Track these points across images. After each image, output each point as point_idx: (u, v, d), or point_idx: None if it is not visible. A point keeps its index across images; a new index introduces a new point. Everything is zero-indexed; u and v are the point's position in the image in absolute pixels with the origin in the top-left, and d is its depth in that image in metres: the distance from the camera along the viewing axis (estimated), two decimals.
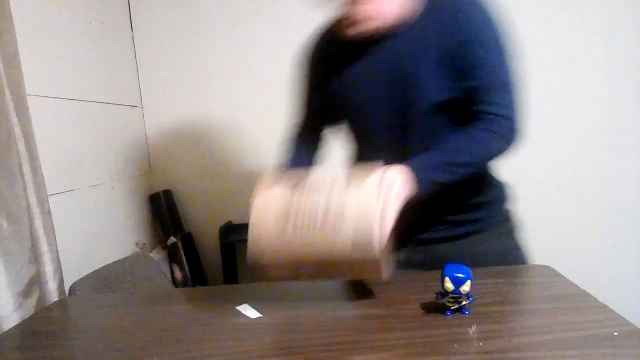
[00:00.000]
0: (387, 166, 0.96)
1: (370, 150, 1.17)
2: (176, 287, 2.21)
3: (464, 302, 0.85)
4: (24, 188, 1.26)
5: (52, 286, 1.34)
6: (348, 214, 0.87)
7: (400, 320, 0.87)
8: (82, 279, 1.47)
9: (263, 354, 0.79)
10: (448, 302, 0.86)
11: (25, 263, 1.21)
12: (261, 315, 0.95)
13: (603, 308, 0.85)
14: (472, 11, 0.99)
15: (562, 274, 1.03)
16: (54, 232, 1.38)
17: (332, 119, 1.23)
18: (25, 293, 1.19)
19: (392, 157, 1.04)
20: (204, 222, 2.44)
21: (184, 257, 2.28)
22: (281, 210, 0.91)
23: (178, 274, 2.27)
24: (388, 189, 0.91)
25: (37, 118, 1.40)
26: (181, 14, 2.32)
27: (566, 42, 2.16)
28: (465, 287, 0.82)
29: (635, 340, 0.73)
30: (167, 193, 2.36)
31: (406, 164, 0.96)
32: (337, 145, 1.32)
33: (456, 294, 0.84)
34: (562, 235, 2.22)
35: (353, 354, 0.76)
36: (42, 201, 1.33)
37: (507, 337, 0.77)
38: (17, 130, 1.27)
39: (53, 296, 1.34)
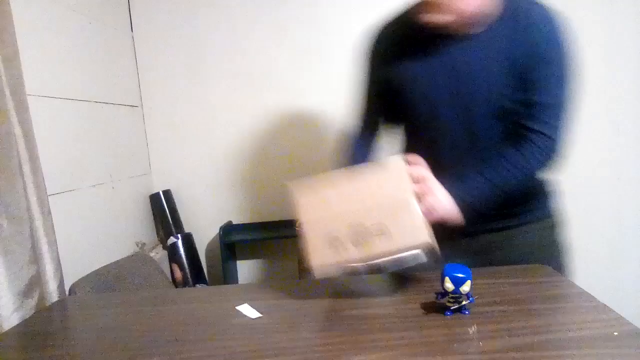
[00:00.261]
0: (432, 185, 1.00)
1: (425, 148, 1.16)
2: (176, 287, 2.21)
3: (464, 302, 0.85)
4: (24, 188, 1.26)
5: (52, 286, 1.34)
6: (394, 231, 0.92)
7: (400, 320, 0.87)
8: (82, 279, 1.47)
9: (263, 354, 0.79)
10: (448, 302, 0.86)
11: (25, 263, 1.21)
12: (261, 315, 0.95)
13: (603, 308, 0.85)
14: (547, 29, 1.00)
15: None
16: (54, 232, 1.38)
17: (391, 112, 1.22)
18: (26, 293, 1.19)
19: (445, 155, 1.10)
20: (204, 222, 2.44)
21: (184, 257, 2.28)
22: (328, 232, 0.96)
23: (178, 274, 2.27)
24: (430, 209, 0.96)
25: (37, 118, 1.40)
26: (181, 14, 2.32)
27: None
28: (465, 287, 0.82)
29: (635, 340, 0.73)
30: (167, 193, 2.36)
31: (450, 189, 1.00)
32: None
33: (456, 294, 0.84)
34: None
35: (353, 354, 0.76)
36: (42, 201, 1.33)
37: (507, 337, 0.77)
38: (17, 130, 1.27)
39: (53, 296, 1.34)
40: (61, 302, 1.28)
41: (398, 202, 0.94)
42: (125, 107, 2.21)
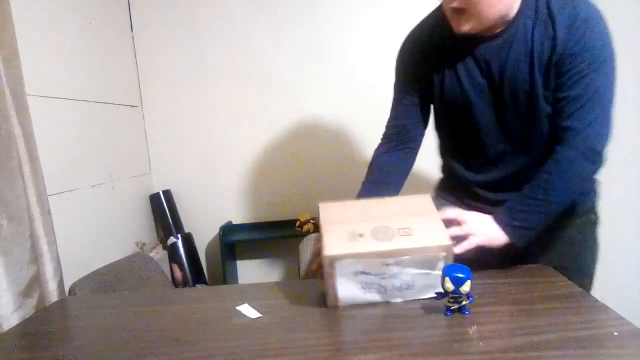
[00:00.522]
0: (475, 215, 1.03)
1: (461, 151, 1.18)
2: (176, 287, 2.21)
3: (464, 302, 0.85)
4: (24, 188, 1.26)
5: (52, 286, 1.34)
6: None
7: (400, 320, 0.87)
8: (82, 279, 1.47)
9: (263, 354, 0.79)
10: (448, 302, 0.86)
11: (25, 263, 1.21)
12: (261, 315, 0.95)
13: (603, 308, 0.85)
14: (587, 27, 0.96)
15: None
16: (54, 232, 1.38)
17: (428, 114, 1.22)
18: (25, 293, 1.19)
19: (482, 157, 1.10)
20: (204, 222, 2.44)
21: (184, 257, 2.28)
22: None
23: (178, 274, 2.27)
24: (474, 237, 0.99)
25: (37, 118, 1.40)
26: (181, 15, 2.32)
27: None
28: (465, 287, 0.82)
29: (635, 340, 0.73)
30: (167, 193, 2.36)
31: (494, 216, 1.01)
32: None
33: (456, 294, 0.84)
34: None
35: (353, 354, 0.76)
36: (42, 201, 1.33)
37: (507, 337, 0.77)
38: (17, 130, 1.27)
39: (53, 296, 1.33)
40: (61, 302, 1.28)
41: (422, 213, 0.97)
42: (125, 107, 2.21)
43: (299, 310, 0.96)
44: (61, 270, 1.39)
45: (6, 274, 1.16)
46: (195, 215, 2.44)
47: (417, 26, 1.18)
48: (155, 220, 2.39)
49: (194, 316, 0.99)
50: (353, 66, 2.32)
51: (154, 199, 2.33)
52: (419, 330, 0.82)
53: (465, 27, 0.99)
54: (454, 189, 1.24)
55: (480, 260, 1.08)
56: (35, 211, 1.31)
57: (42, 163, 1.36)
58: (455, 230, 0.99)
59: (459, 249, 0.97)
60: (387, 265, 0.90)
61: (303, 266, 1.59)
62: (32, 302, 1.21)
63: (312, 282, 1.09)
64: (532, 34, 0.99)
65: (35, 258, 1.27)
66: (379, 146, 1.27)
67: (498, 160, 1.12)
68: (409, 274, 0.91)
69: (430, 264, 0.89)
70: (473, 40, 1.04)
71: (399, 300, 0.94)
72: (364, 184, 1.23)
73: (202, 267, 2.40)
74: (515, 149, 1.09)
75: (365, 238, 0.91)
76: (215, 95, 2.36)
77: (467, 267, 0.84)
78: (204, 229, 2.44)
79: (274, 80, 2.34)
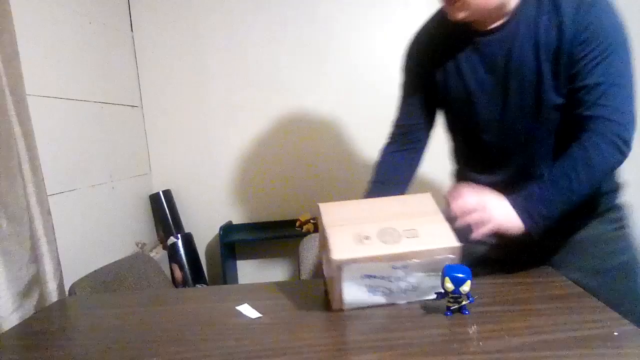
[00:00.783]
0: (491, 197, 0.96)
1: (474, 147, 1.14)
2: (176, 287, 2.21)
3: (464, 302, 0.85)
4: (24, 188, 1.26)
5: (52, 286, 1.34)
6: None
7: (400, 320, 0.87)
8: (82, 279, 1.47)
9: (263, 354, 0.79)
10: (448, 302, 0.86)
11: (25, 263, 1.21)
12: (261, 315, 0.95)
13: (603, 308, 0.85)
14: (595, 10, 0.91)
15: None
16: (54, 232, 1.38)
17: (435, 114, 1.20)
18: (25, 293, 1.19)
19: (496, 155, 1.06)
20: (204, 222, 2.44)
21: (184, 257, 2.28)
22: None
23: (178, 274, 2.26)
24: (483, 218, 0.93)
25: (37, 118, 1.40)
26: (181, 15, 2.32)
27: None
28: (465, 287, 0.82)
29: (635, 340, 0.73)
30: (167, 193, 2.36)
31: (513, 200, 0.96)
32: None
33: (456, 294, 0.83)
34: None
35: (353, 354, 0.76)
36: (42, 201, 1.33)
37: (507, 337, 0.77)
38: (17, 130, 1.27)
39: (53, 296, 1.33)
40: (61, 302, 1.28)
41: (426, 214, 0.96)
42: (125, 107, 2.21)
43: (299, 310, 0.96)
44: (61, 270, 1.39)
45: (6, 274, 1.16)
46: (195, 215, 2.44)
47: (422, 25, 1.17)
48: (155, 220, 2.39)
49: (194, 316, 0.99)
50: (353, 66, 2.32)
51: (154, 199, 2.33)
52: (419, 330, 0.82)
53: (461, 15, 0.97)
54: None
55: (507, 261, 1.08)
56: (35, 211, 1.31)
57: (42, 163, 1.36)
58: (475, 217, 0.94)
59: (477, 235, 0.93)
60: (395, 268, 0.89)
61: (303, 266, 1.59)
62: (31, 302, 1.21)
63: (312, 282, 1.09)
64: (537, 23, 0.95)
65: (35, 258, 1.27)
66: (384, 146, 1.26)
67: (502, 160, 1.09)
68: (416, 276, 0.91)
69: (437, 266, 0.88)
70: (476, 35, 1.03)
71: (402, 302, 0.93)
72: (370, 183, 1.22)
73: (202, 267, 2.40)
74: (520, 148, 1.06)
75: (372, 241, 0.89)
76: (215, 95, 2.36)
77: (467, 267, 0.84)
78: (204, 229, 2.44)
79: (274, 80, 2.34)
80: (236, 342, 0.83)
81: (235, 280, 2.44)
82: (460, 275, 0.82)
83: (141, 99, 2.37)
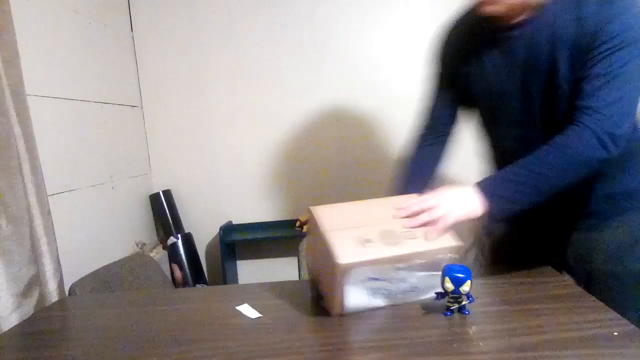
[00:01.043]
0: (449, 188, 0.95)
1: (501, 141, 1.14)
2: (176, 287, 2.21)
3: (464, 302, 0.85)
4: (24, 188, 1.26)
5: (52, 286, 1.34)
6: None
7: (400, 320, 0.87)
8: (82, 279, 1.47)
9: (263, 354, 0.79)
10: (448, 302, 0.86)
11: (25, 263, 1.21)
12: (261, 315, 0.95)
13: (603, 308, 0.85)
14: (615, 7, 0.89)
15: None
16: (54, 232, 1.38)
17: (465, 107, 1.19)
18: (25, 293, 1.19)
19: (515, 147, 1.02)
20: (204, 222, 2.44)
21: (184, 257, 2.28)
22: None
23: (178, 274, 2.27)
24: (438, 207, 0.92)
25: (37, 118, 1.40)
26: (181, 15, 2.32)
27: None
28: (465, 287, 0.82)
29: (635, 340, 0.73)
30: (167, 193, 2.36)
31: (477, 183, 0.94)
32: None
33: (456, 294, 0.83)
34: None
35: (353, 354, 0.76)
36: (42, 201, 1.33)
37: (507, 337, 0.77)
38: (17, 130, 1.27)
39: (53, 296, 1.34)
40: (61, 302, 1.28)
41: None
42: (125, 107, 2.21)
43: (299, 310, 0.96)
44: (61, 270, 1.40)
45: (6, 274, 1.16)
46: (195, 215, 2.44)
47: (451, 19, 1.17)
48: (155, 220, 2.39)
49: (194, 316, 0.99)
50: (354, 66, 2.32)
51: (154, 199, 2.33)
52: (419, 330, 0.82)
53: (491, 9, 0.97)
54: None
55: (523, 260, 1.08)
56: (35, 211, 1.31)
57: (42, 163, 1.36)
58: (424, 217, 0.93)
59: (435, 234, 0.91)
60: (399, 269, 0.89)
61: (303, 266, 1.59)
62: (31, 302, 1.21)
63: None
64: (557, 18, 0.94)
65: (35, 258, 1.27)
66: (410, 140, 1.25)
67: (522, 157, 1.05)
68: (417, 276, 0.91)
69: (439, 266, 0.88)
70: (501, 29, 1.02)
71: (401, 302, 0.93)
72: (400, 176, 1.20)
73: (202, 267, 2.40)
74: (539, 144, 1.01)
75: (374, 243, 0.88)
76: (215, 95, 2.36)
77: (467, 267, 0.84)
78: (204, 229, 2.44)
79: (274, 80, 2.34)
80: (236, 342, 0.83)
81: (235, 280, 2.44)
82: (460, 275, 0.82)
83: (141, 99, 2.37)
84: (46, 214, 1.35)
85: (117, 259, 1.74)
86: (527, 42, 0.98)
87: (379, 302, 0.92)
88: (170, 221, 2.32)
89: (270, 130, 2.38)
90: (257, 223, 2.42)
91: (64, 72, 1.73)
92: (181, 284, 2.25)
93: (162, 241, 2.37)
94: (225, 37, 2.32)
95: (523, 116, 1.04)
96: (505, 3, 0.96)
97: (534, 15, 0.97)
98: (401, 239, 0.90)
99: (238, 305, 1.00)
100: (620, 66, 0.88)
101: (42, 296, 1.27)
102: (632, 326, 0.77)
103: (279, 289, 1.09)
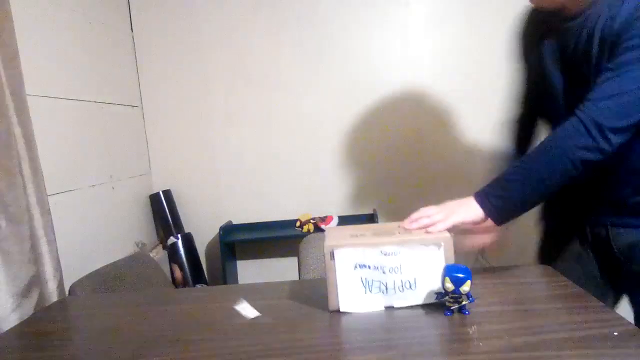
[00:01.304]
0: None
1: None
2: (176, 287, 2.21)
3: (464, 302, 0.85)
4: (24, 188, 1.26)
5: (52, 286, 1.34)
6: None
7: (400, 320, 0.87)
8: (82, 279, 1.47)
9: (263, 354, 0.79)
10: (448, 302, 0.86)
11: (24, 263, 1.21)
12: (261, 315, 0.95)
13: (603, 308, 0.85)
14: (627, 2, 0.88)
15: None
16: (54, 232, 1.38)
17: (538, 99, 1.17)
18: (25, 293, 1.19)
19: None
20: (204, 222, 2.44)
21: (184, 257, 2.28)
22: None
23: (178, 274, 2.27)
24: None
25: (37, 118, 1.40)
26: (181, 15, 2.32)
27: None
28: (465, 287, 0.82)
29: (635, 340, 0.73)
30: (167, 193, 2.36)
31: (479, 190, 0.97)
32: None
33: (456, 294, 0.83)
34: None
35: (353, 354, 0.76)
36: (42, 201, 1.33)
37: (507, 337, 0.77)
38: (17, 130, 1.27)
39: (53, 296, 1.34)
40: (61, 302, 1.28)
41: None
42: (125, 107, 2.21)
43: (299, 310, 0.96)
44: (61, 270, 1.40)
45: (5, 274, 1.16)
46: (195, 215, 2.44)
47: (526, 9, 1.17)
48: (155, 220, 2.39)
49: (193, 316, 0.99)
50: (354, 66, 2.32)
51: (154, 199, 2.33)
52: (419, 330, 0.82)
53: (536, 2, 1.00)
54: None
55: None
56: (35, 211, 1.31)
57: (42, 163, 1.36)
58: (424, 221, 0.95)
59: (436, 229, 0.93)
60: (386, 255, 0.91)
61: (303, 266, 1.59)
62: (31, 302, 1.21)
63: (312, 282, 1.09)
64: (600, 14, 0.92)
65: (35, 258, 1.27)
66: (517, 118, 1.26)
67: None
68: (410, 268, 0.91)
69: (430, 257, 0.89)
70: (558, 23, 1.02)
71: (402, 304, 0.93)
72: (514, 156, 1.21)
73: (202, 267, 2.40)
74: None
75: (365, 237, 0.95)
76: (215, 95, 2.36)
77: (467, 267, 0.84)
78: (204, 229, 2.44)
79: (274, 80, 2.34)
80: (236, 342, 0.83)
81: (235, 280, 2.44)
82: (460, 275, 0.82)
83: (141, 99, 2.37)
84: (46, 213, 1.35)
85: (117, 259, 1.74)
86: (576, 36, 0.97)
87: (377, 302, 0.92)
88: (170, 221, 2.32)
89: (270, 129, 2.38)
90: (257, 223, 2.42)
91: (64, 72, 1.73)
92: (181, 284, 2.25)
93: (162, 241, 2.37)
94: (225, 37, 2.32)
95: (564, 112, 1.00)
96: None
97: (586, 10, 0.95)
98: (392, 231, 0.95)
99: (238, 305, 1.00)
100: (631, 64, 0.85)
101: (42, 296, 1.27)
102: (632, 326, 0.77)
103: (279, 289, 1.09)
